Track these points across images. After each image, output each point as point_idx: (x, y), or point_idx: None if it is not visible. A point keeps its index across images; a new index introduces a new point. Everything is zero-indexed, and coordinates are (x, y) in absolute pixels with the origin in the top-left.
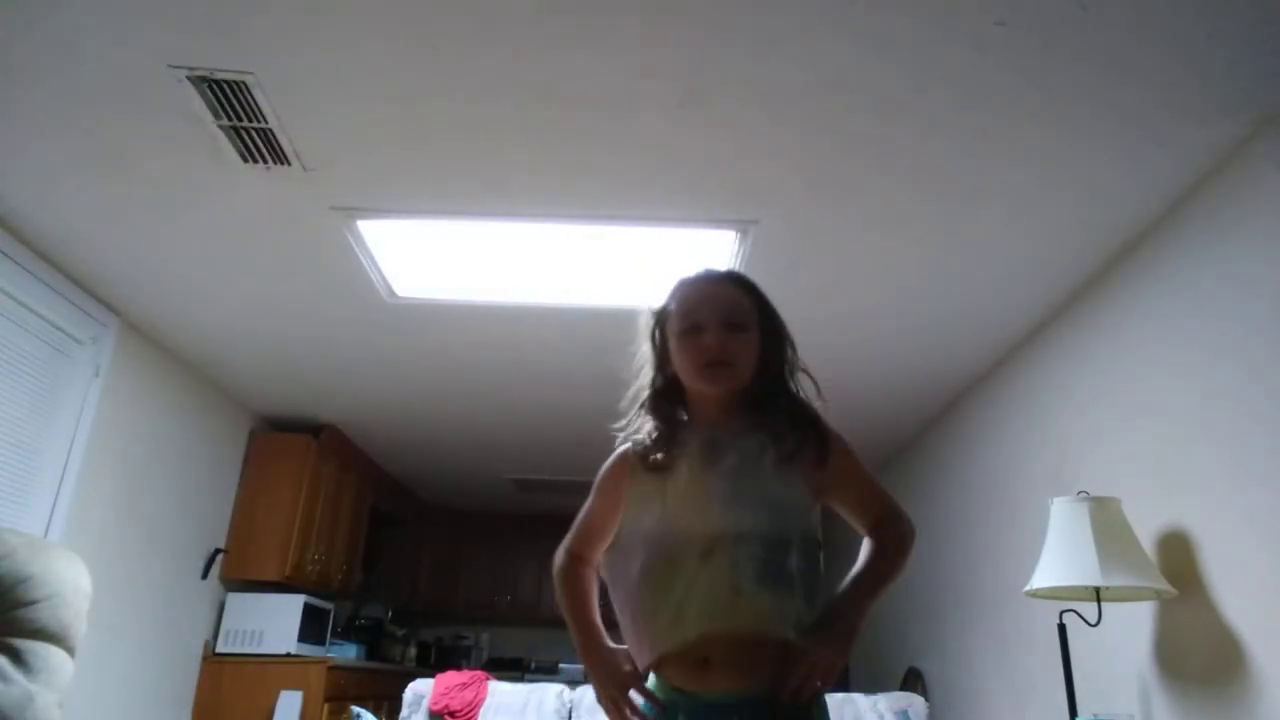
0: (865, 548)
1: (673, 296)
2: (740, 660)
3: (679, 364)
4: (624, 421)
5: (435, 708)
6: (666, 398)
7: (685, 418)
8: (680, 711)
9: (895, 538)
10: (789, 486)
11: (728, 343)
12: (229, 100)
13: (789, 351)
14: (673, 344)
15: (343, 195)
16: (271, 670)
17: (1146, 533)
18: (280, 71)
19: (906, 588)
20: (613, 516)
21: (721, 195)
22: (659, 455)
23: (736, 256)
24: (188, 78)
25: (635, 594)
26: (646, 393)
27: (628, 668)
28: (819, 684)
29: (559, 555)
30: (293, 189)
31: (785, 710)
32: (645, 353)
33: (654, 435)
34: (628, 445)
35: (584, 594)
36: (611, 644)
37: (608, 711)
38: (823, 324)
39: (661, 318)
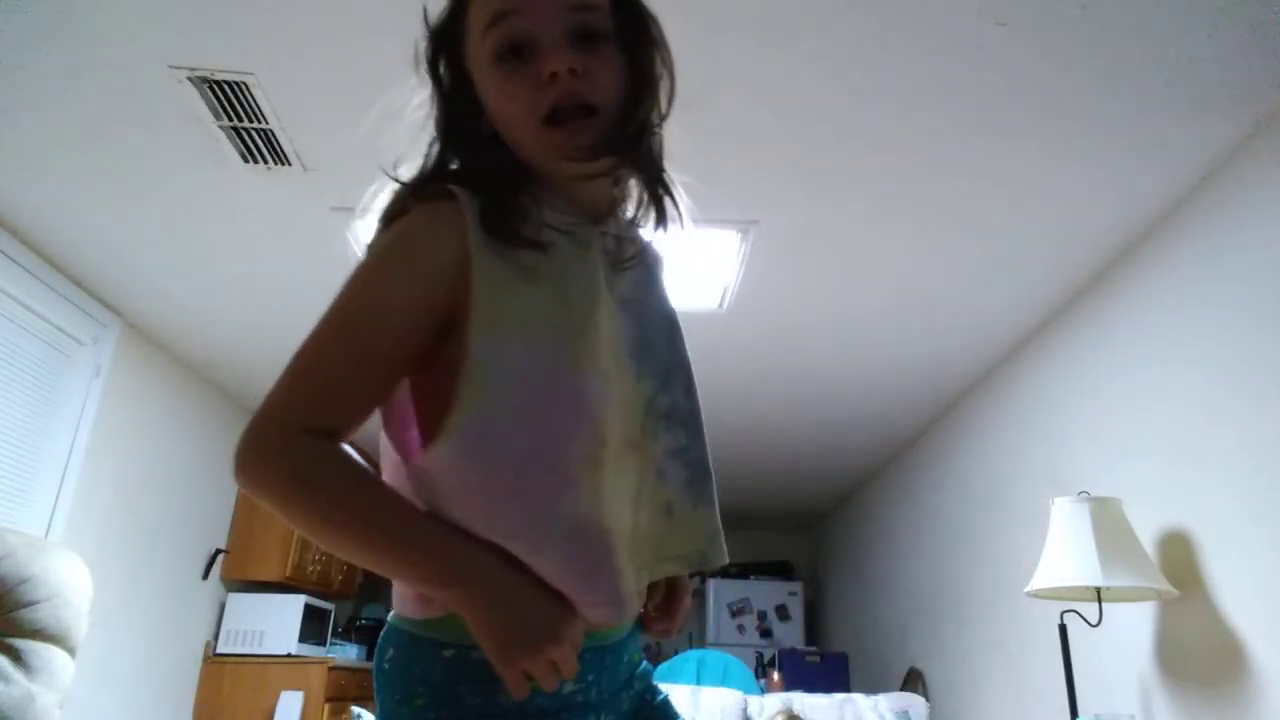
0: None
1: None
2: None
3: (504, 114)
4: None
5: None
6: (491, 158)
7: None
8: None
9: None
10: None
11: (582, 66)
12: (229, 101)
13: (664, 82)
14: (485, 81)
15: (343, 195)
16: (272, 671)
17: (1147, 533)
18: (280, 71)
19: (907, 588)
20: (420, 335)
21: (722, 195)
22: (531, 222)
23: (738, 256)
24: (188, 78)
25: (570, 492)
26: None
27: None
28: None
29: (274, 437)
30: (293, 189)
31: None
32: (413, 110)
33: (501, 189)
34: (448, 198)
35: (383, 484)
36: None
37: (540, 677)
38: (824, 323)
39: (446, 36)
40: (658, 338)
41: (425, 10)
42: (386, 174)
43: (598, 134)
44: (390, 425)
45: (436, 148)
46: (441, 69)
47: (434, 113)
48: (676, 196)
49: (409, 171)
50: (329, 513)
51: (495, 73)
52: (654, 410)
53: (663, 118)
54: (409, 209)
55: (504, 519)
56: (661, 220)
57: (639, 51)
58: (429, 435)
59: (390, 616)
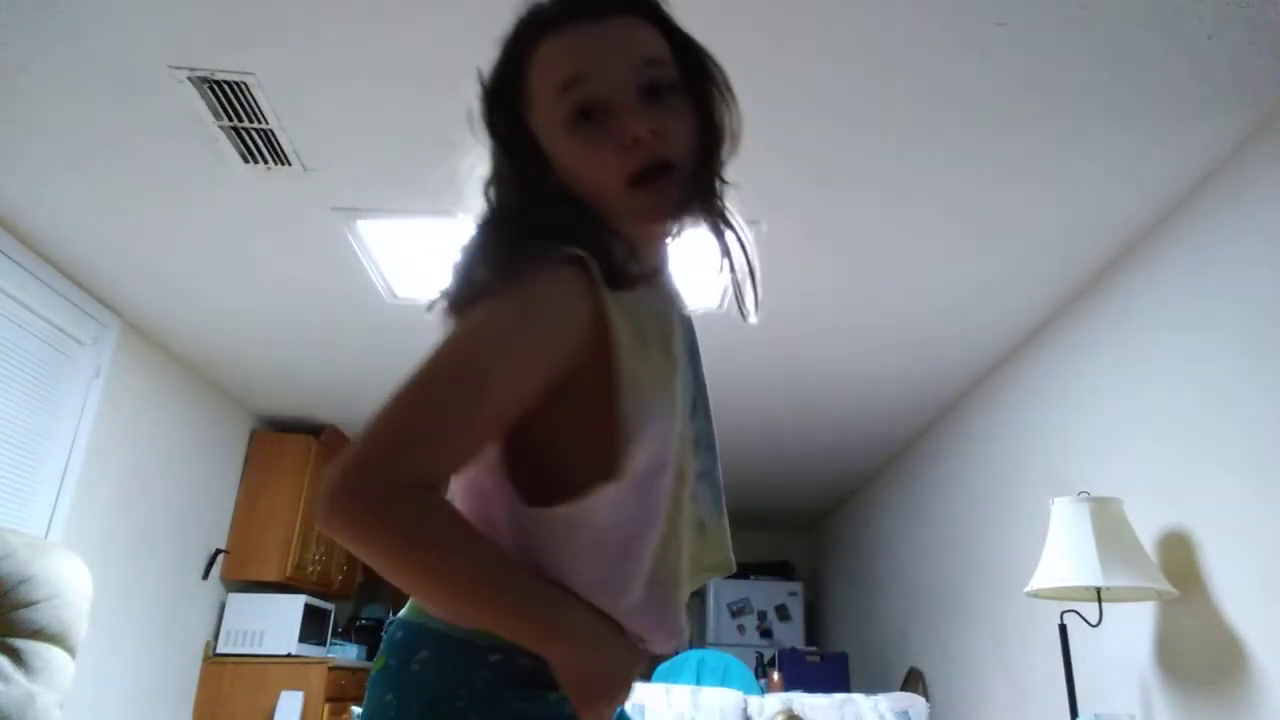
0: None
1: (522, 48)
2: None
3: (586, 176)
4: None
5: None
6: (579, 214)
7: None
8: None
9: None
10: None
11: (660, 125)
12: (229, 100)
13: (730, 123)
14: (557, 143)
15: (343, 195)
16: (272, 671)
17: (1147, 533)
18: (280, 71)
19: (907, 588)
20: (535, 399)
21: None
22: (637, 269)
23: None
24: (188, 78)
25: (656, 543)
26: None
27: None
28: None
29: (383, 489)
30: (293, 189)
31: None
32: (468, 166)
33: (603, 243)
34: (573, 263)
35: (484, 538)
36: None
37: (607, 715)
38: (824, 324)
39: (503, 97)
40: (691, 367)
41: (480, 71)
42: (498, 233)
43: (678, 190)
44: (498, 475)
45: (501, 200)
46: (501, 127)
47: (498, 169)
48: (745, 240)
49: (470, 220)
50: (439, 569)
51: (573, 137)
52: (688, 438)
53: (726, 162)
54: (529, 271)
55: (618, 575)
56: (726, 256)
57: (706, 101)
58: (554, 489)
59: (414, 616)
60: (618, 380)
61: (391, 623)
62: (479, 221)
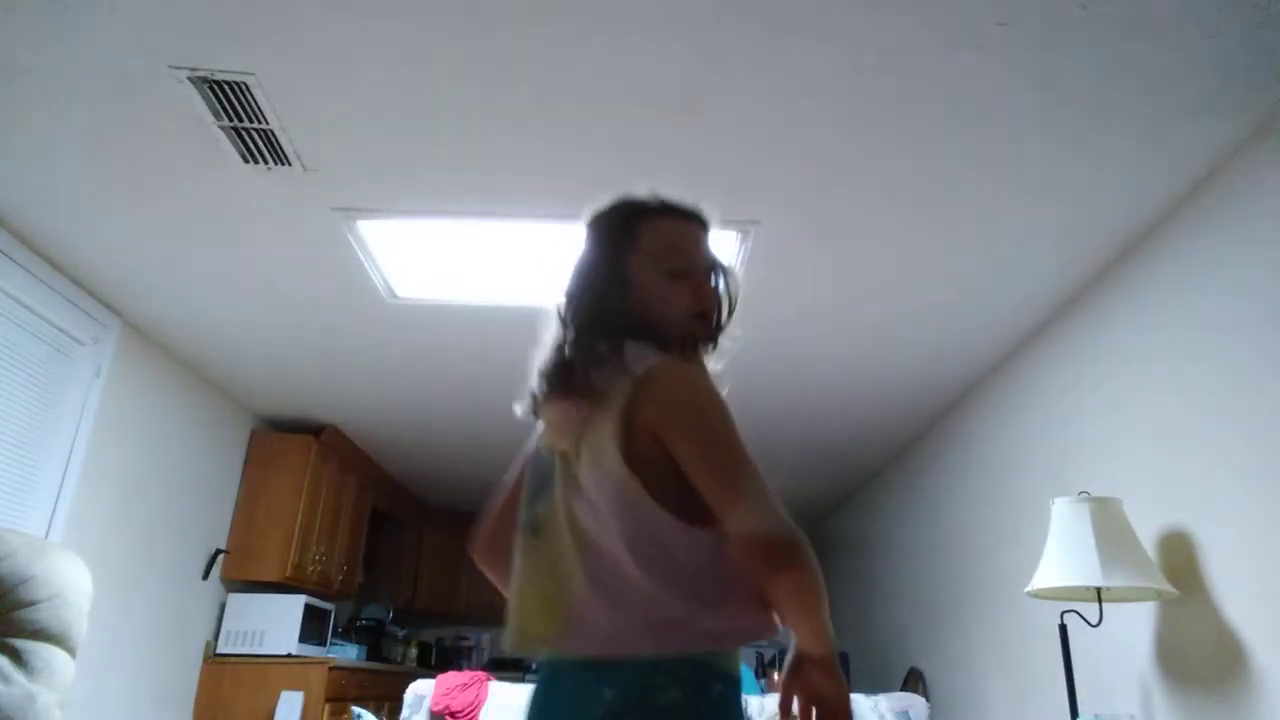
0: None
1: (644, 217)
2: None
3: (668, 302)
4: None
5: (436, 708)
6: (665, 327)
7: None
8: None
9: None
10: None
11: (713, 290)
12: (229, 101)
13: (734, 299)
14: (650, 278)
15: (343, 195)
16: (272, 671)
17: (1148, 533)
18: (280, 71)
19: (907, 588)
20: None
21: (722, 196)
22: None
23: (737, 257)
24: (188, 78)
25: None
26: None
27: None
28: None
29: (799, 534)
30: (293, 189)
31: None
32: (593, 264)
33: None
34: (696, 356)
35: None
36: None
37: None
38: (824, 324)
39: (623, 234)
40: None
41: (621, 215)
42: (620, 333)
43: (711, 329)
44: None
45: (589, 300)
46: (611, 254)
47: (596, 282)
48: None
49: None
50: (821, 589)
51: (667, 280)
52: None
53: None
54: (691, 365)
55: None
56: None
57: (724, 281)
58: (694, 515)
59: (666, 651)
60: None
61: (635, 665)
62: (572, 314)
